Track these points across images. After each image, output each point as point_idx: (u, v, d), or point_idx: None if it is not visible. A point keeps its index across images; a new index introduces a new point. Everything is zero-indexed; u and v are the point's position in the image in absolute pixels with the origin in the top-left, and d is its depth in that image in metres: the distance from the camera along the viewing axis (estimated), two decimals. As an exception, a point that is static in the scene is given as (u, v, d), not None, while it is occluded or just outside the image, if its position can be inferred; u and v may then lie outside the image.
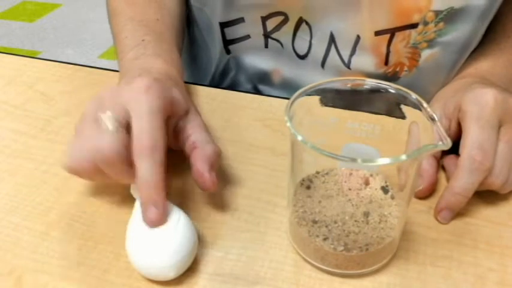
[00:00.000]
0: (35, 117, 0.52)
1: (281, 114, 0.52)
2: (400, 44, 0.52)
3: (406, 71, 0.55)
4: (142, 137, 0.36)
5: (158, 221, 0.35)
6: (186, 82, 0.57)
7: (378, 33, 0.52)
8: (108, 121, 0.36)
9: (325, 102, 0.37)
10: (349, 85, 0.37)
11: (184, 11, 0.61)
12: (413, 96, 0.35)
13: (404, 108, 0.36)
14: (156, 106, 0.37)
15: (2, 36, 2.27)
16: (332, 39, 0.54)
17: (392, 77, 0.56)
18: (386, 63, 0.54)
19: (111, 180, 0.38)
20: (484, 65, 0.52)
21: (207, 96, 0.55)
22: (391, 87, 0.36)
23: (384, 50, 0.53)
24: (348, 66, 0.55)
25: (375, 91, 0.37)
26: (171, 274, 0.35)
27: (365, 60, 0.54)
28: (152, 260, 0.34)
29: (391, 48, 0.53)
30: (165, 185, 0.36)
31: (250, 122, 0.52)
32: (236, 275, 0.36)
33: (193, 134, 0.41)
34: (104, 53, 2.14)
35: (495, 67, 0.52)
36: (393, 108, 0.36)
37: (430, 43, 0.53)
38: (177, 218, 0.36)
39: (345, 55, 0.55)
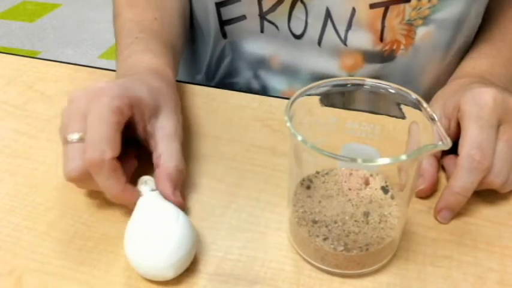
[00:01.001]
0: (35, 117, 0.52)
1: (281, 114, 0.52)
2: (395, 20, 0.53)
3: (402, 49, 0.56)
4: (90, 150, 0.37)
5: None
6: (185, 82, 0.57)
7: (372, 6, 0.52)
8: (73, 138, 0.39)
9: (325, 102, 0.37)
10: (349, 85, 0.37)
11: (188, 9, 0.61)
12: (413, 96, 0.35)
13: (404, 108, 0.36)
14: (106, 111, 0.38)
15: (2, 36, 2.27)
16: (328, 15, 0.54)
17: (389, 56, 0.56)
18: (381, 39, 0.55)
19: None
20: (482, 65, 0.53)
21: (207, 96, 0.55)
22: (391, 87, 0.36)
23: (379, 25, 0.54)
24: (344, 42, 0.55)
25: (375, 91, 0.37)
26: (170, 274, 0.35)
27: (361, 36, 0.55)
28: (151, 259, 0.34)
29: (386, 23, 0.53)
30: (127, 183, 0.38)
31: (250, 122, 0.52)
32: (236, 275, 0.36)
33: (160, 145, 0.41)
34: (104, 53, 2.14)
35: (493, 67, 0.52)
36: (393, 108, 0.36)
37: (425, 20, 0.53)
38: (176, 218, 0.36)
39: (341, 30, 0.55)
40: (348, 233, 0.35)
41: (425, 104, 0.34)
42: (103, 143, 0.37)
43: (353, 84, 0.37)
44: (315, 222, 0.36)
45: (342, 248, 0.35)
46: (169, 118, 0.42)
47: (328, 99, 0.37)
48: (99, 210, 0.41)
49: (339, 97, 0.37)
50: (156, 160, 0.41)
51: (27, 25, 2.36)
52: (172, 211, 0.36)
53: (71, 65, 0.60)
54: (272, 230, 0.40)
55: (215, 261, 0.37)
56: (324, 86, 0.36)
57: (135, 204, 0.37)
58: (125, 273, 0.36)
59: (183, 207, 0.39)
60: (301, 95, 0.35)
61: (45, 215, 0.41)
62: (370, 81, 0.37)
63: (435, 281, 0.36)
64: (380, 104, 0.37)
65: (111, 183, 0.37)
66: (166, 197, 0.38)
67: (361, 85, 0.37)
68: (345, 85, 0.37)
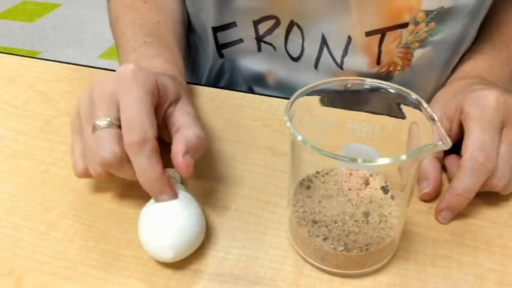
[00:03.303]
0: (35, 117, 0.52)
1: (281, 114, 0.52)
2: (392, 44, 0.53)
3: (399, 70, 0.56)
4: (131, 131, 0.35)
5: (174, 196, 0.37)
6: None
7: (368, 33, 0.52)
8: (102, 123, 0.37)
9: (325, 102, 0.37)
10: (349, 85, 0.37)
11: (186, 14, 0.61)
12: (413, 96, 0.35)
13: (404, 108, 0.36)
14: (142, 93, 0.37)
15: (2, 36, 2.27)
16: (324, 41, 0.54)
17: (385, 77, 0.56)
18: (378, 63, 0.55)
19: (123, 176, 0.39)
20: (482, 65, 0.53)
21: (207, 96, 0.55)
22: (391, 87, 0.36)
23: (375, 50, 0.53)
24: (340, 67, 0.56)
25: (374, 91, 0.37)
26: (168, 256, 0.35)
27: (357, 61, 0.55)
28: (152, 239, 0.36)
29: (383, 48, 0.53)
30: (164, 171, 0.37)
31: (250, 122, 0.52)
32: (236, 275, 0.36)
33: (180, 120, 0.40)
34: (104, 53, 2.14)
35: (492, 66, 0.52)
36: (393, 108, 0.36)
37: (422, 43, 0.53)
38: (185, 205, 0.37)
39: (337, 56, 0.55)
40: (348, 233, 0.35)
41: (425, 104, 0.34)
42: (144, 123, 0.36)
43: (353, 84, 0.37)
44: (315, 222, 0.36)
45: (342, 248, 0.35)
46: (187, 103, 0.42)
47: (328, 99, 0.37)
48: (99, 210, 0.41)
49: (339, 97, 0.37)
50: (174, 132, 0.39)
51: (27, 25, 2.36)
52: (184, 199, 0.37)
53: (71, 65, 0.60)
54: (272, 230, 0.40)
55: (215, 261, 0.37)
56: (323, 86, 0.36)
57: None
58: (125, 273, 0.36)
59: (190, 170, 0.37)
60: (301, 95, 0.35)
61: (45, 215, 0.41)
62: (370, 81, 0.37)
63: (435, 281, 0.36)
64: (380, 104, 0.37)
65: (151, 164, 0.36)
66: (175, 159, 0.37)
67: (361, 85, 0.37)
68: (345, 85, 0.37)
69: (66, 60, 0.69)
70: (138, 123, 0.36)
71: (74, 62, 0.61)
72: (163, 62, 0.48)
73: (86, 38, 2.25)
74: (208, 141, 0.40)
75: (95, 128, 0.37)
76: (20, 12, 2.47)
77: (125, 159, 0.36)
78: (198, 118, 0.42)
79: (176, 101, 0.41)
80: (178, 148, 0.37)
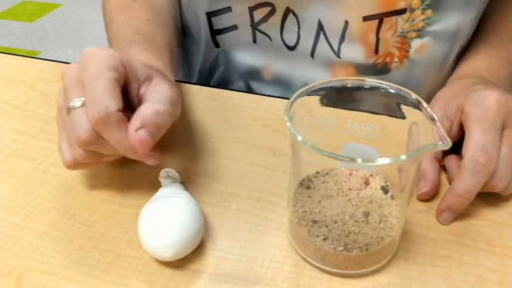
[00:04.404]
0: (35, 117, 0.52)
1: (281, 114, 0.52)
2: (388, 33, 0.53)
3: (396, 62, 0.55)
4: (92, 108, 0.35)
5: (159, 158, 0.38)
6: (184, 82, 0.57)
7: (366, 18, 0.52)
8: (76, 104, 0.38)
9: (325, 102, 0.37)
10: (349, 85, 0.37)
11: (178, 11, 0.61)
12: (413, 96, 0.35)
13: (404, 108, 0.36)
14: (103, 69, 0.36)
15: (2, 36, 2.27)
16: (320, 28, 0.54)
17: (382, 69, 0.56)
18: (376, 52, 0.54)
19: (114, 157, 0.40)
20: (481, 64, 0.53)
21: (206, 96, 0.55)
22: (391, 87, 0.36)
23: (372, 38, 0.53)
24: (337, 55, 0.55)
25: (374, 91, 0.37)
26: (167, 254, 0.35)
27: (354, 49, 0.54)
28: (152, 238, 0.36)
29: (380, 36, 0.53)
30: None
31: (250, 122, 0.52)
32: (236, 275, 0.36)
33: (147, 99, 0.39)
34: (104, 53, 2.14)
35: (492, 66, 0.52)
36: (393, 108, 0.36)
37: (420, 32, 0.53)
38: (183, 205, 0.37)
39: (334, 43, 0.54)
40: (348, 233, 0.35)
41: (425, 104, 0.34)
42: (105, 97, 0.35)
43: (353, 84, 0.37)
44: (315, 222, 0.36)
45: (342, 248, 0.35)
46: (162, 82, 0.40)
47: (328, 99, 0.37)
48: (99, 210, 0.41)
49: (339, 97, 0.37)
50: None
51: (27, 25, 2.36)
52: (183, 199, 0.38)
53: (71, 65, 0.60)
54: (272, 230, 0.40)
55: (215, 261, 0.37)
56: (323, 86, 0.36)
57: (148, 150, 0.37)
58: (125, 273, 0.36)
59: (143, 147, 0.36)
60: (301, 95, 0.35)
61: (45, 215, 0.41)
62: (370, 81, 0.37)
63: (435, 281, 0.36)
64: (380, 104, 0.37)
65: (122, 135, 0.36)
66: (129, 134, 0.36)
67: (361, 85, 0.37)
68: (345, 85, 0.37)
69: (66, 60, 0.69)
70: (99, 99, 0.35)
71: (73, 62, 0.61)
72: (148, 55, 0.47)
73: (86, 38, 2.25)
74: (172, 117, 0.39)
75: (69, 111, 0.37)
76: (20, 12, 2.47)
77: (101, 135, 0.36)
78: (171, 96, 0.40)
79: (148, 81, 0.40)
80: (132, 123, 0.37)
